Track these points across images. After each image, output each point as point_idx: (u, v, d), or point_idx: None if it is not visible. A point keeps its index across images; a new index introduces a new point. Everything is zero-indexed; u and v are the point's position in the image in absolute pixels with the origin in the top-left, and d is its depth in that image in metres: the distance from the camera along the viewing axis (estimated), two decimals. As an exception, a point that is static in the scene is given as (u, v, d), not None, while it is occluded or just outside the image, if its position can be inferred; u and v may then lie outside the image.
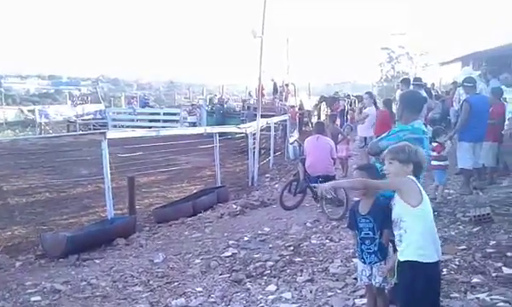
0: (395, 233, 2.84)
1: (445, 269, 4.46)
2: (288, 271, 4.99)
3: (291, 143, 15.58)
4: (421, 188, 2.80)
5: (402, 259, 2.75)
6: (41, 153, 14.37)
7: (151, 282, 5.15)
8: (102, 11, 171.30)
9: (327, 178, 7.19)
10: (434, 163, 7.14)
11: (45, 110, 28.90)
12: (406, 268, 2.71)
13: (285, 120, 17.80)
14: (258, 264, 5.29)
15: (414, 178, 2.80)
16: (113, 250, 6.88)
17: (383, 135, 4.02)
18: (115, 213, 8.21)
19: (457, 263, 4.58)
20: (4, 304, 4.69)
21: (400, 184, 2.78)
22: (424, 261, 2.67)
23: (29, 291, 5.05)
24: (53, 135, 20.40)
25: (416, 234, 2.69)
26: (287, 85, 24.36)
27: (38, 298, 4.83)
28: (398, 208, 2.79)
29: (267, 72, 19.36)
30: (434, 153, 7.06)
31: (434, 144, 7.11)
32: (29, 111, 30.24)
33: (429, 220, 2.77)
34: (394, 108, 9.32)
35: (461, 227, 5.75)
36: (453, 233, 5.55)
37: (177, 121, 25.38)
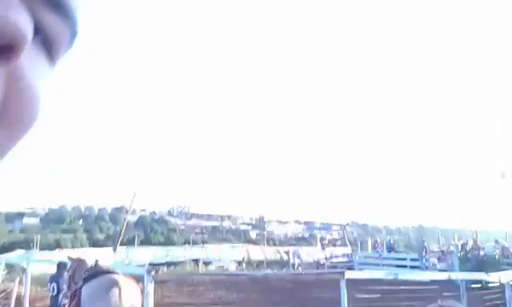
0: None
1: None
2: None
3: None
4: None
5: None
6: (287, 289, 15.56)
7: None
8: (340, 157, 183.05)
9: None
10: None
11: (298, 251, 31.44)
12: None
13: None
14: None
15: None
16: None
17: None
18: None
19: None
20: None
21: None
22: None
23: None
24: (297, 272, 21.92)
25: None
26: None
27: None
28: None
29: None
30: None
31: None
32: (284, 252, 33.33)
33: None
34: None
35: None
36: None
37: (425, 267, 24.08)
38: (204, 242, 57.98)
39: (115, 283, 4.84)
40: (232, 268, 31.52)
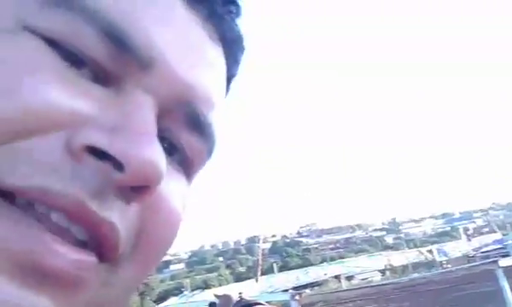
0: None
1: None
2: None
3: None
4: None
5: None
6: (440, 291, 14.62)
7: None
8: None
9: None
10: None
11: (442, 248, 29.65)
12: None
13: None
14: None
15: None
16: None
17: None
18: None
19: None
20: None
21: None
22: None
23: None
24: (446, 270, 20.58)
25: None
26: None
27: None
28: None
29: None
30: None
31: None
32: (427, 251, 31.62)
33: None
34: None
35: None
36: None
37: None
38: (341, 257, 57.32)
39: (263, 314, 5.03)
40: (377, 278, 30.64)
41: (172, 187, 0.35)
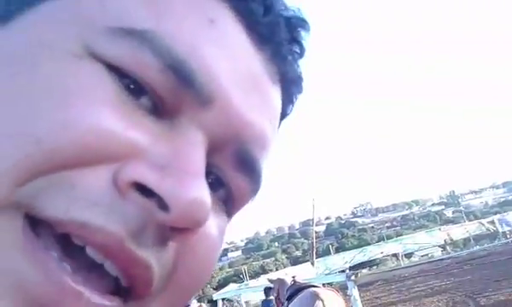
0: None
1: None
2: None
3: None
4: None
5: None
6: (504, 262, 14.01)
7: None
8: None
9: None
10: None
11: (504, 218, 28.39)
12: None
13: None
14: None
15: None
16: None
17: None
18: None
19: None
20: None
21: None
22: None
23: None
24: (509, 240, 19.71)
25: None
26: None
27: None
28: None
29: None
30: None
31: None
32: (489, 222, 30.45)
33: None
34: None
35: None
36: None
37: None
38: (398, 234, 56.22)
39: (316, 296, 4.95)
40: (437, 254, 29.83)
41: (212, 224, 0.35)
